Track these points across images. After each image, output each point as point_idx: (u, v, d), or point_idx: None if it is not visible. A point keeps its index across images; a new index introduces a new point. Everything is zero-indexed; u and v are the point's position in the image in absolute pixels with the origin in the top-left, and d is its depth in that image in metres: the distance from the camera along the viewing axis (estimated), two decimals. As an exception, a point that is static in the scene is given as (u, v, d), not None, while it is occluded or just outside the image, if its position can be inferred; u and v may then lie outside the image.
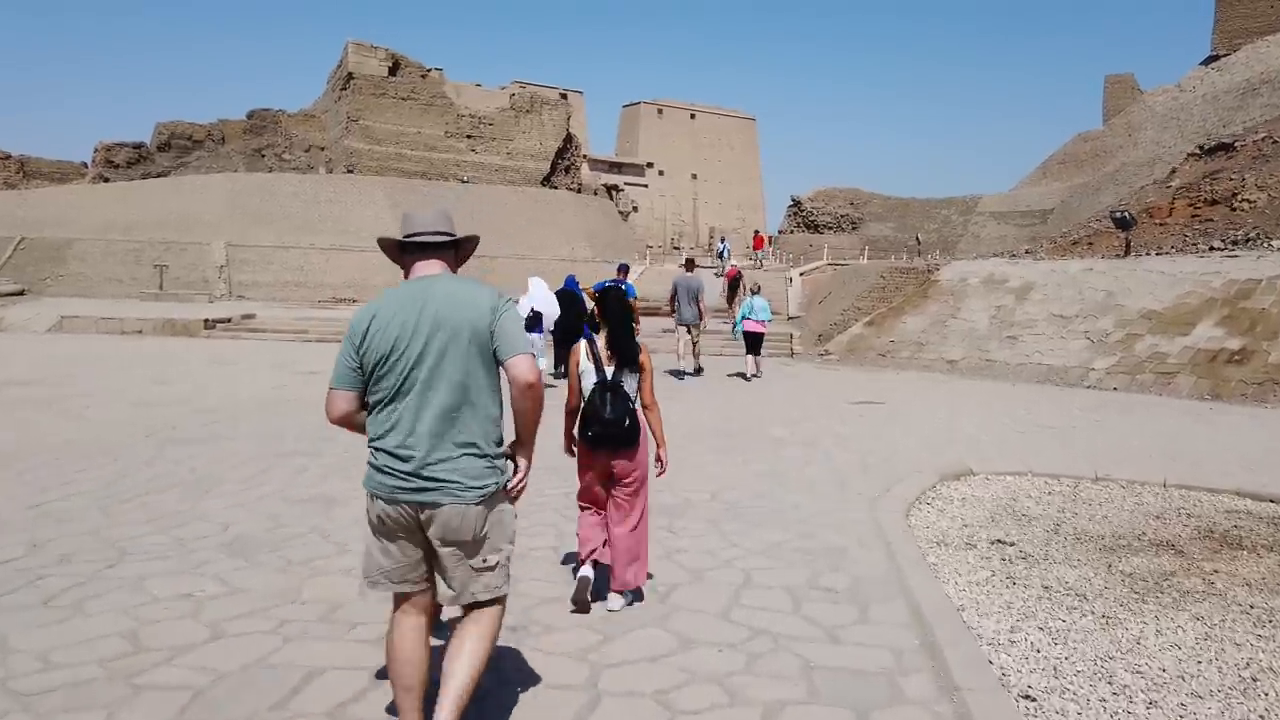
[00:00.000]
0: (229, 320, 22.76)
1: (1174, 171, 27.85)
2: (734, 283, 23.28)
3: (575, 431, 4.61)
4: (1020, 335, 17.92)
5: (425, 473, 2.84)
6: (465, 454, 2.88)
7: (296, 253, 40.57)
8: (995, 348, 18.00)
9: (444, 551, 2.93)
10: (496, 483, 2.96)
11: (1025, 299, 18.88)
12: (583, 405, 4.52)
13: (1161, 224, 21.53)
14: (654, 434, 4.68)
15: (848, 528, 6.28)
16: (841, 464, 8.47)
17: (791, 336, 22.54)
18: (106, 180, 47.69)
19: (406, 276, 3.06)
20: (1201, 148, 27.28)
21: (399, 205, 44.09)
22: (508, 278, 44.00)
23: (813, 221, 65.20)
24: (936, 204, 61.49)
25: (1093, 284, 18.18)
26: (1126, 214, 19.37)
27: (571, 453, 4.68)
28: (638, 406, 4.57)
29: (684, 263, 18.12)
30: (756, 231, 42.03)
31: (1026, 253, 25.48)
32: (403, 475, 2.85)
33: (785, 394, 13.81)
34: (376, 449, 2.92)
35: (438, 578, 3.03)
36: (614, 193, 64.05)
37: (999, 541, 6.17)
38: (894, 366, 18.64)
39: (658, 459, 4.72)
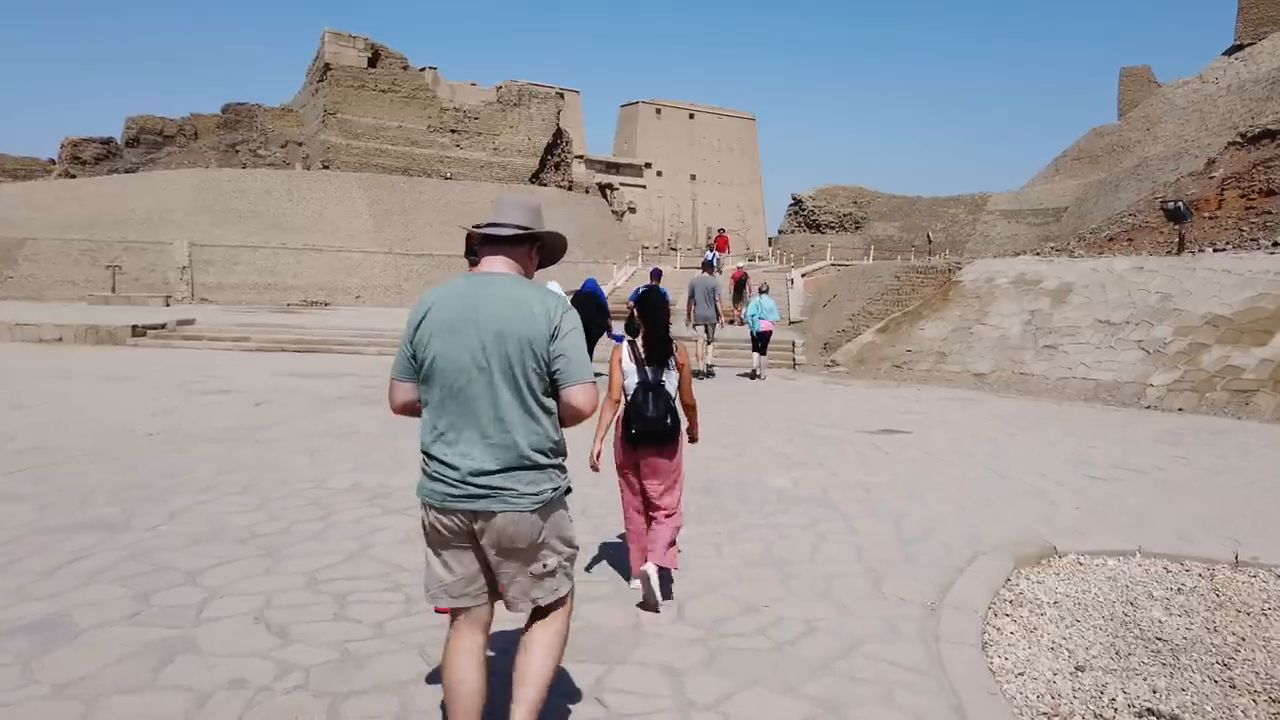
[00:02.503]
0: (163, 326, 20.26)
1: (1213, 162, 25.37)
2: (740, 284, 22.80)
3: (618, 431, 4.67)
4: (1060, 344, 15.43)
5: (478, 480, 2.69)
6: (519, 461, 2.71)
7: (265, 253, 38.08)
8: (1030, 359, 15.51)
9: (500, 561, 2.79)
10: (554, 488, 2.79)
11: (1064, 302, 16.38)
12: (624, 405, 4.64)
13: (1211, 217, 19.06)
14: (691, 430, 4.93)
15: (896, 683, 3.80)
16: (869, 538, 5.98)
17: (794, 345, 20.04)
18: (73, 177, 45.23)
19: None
20: (1244, 135, 24.82)
21: (377, 203, 41.64)
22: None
23: (814, 221, 62.72)
24: (943, 202, 59.00)
25: (1144, 285, 15.70)
26: (1181, 205, 16.89)
27: (596, 465, 4.50)
28: (677, 405, 4.72)
29: (702, 264, 18.31)
30: (721, 230, 38.05)
31: (1053, 249, 22.99)
32: (454, 482, 2.70)
33: (788, 419, 11.31)
34: (428, 455, 2.77)
35: (498, 590, 2.87)
36: (608, 191, 61.61)
37: (1151, 713, 3.69)
38: (912, 380, 16.16)
39: (691, 437, 4.95)
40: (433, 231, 41.43)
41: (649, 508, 4.77)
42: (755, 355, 15.93)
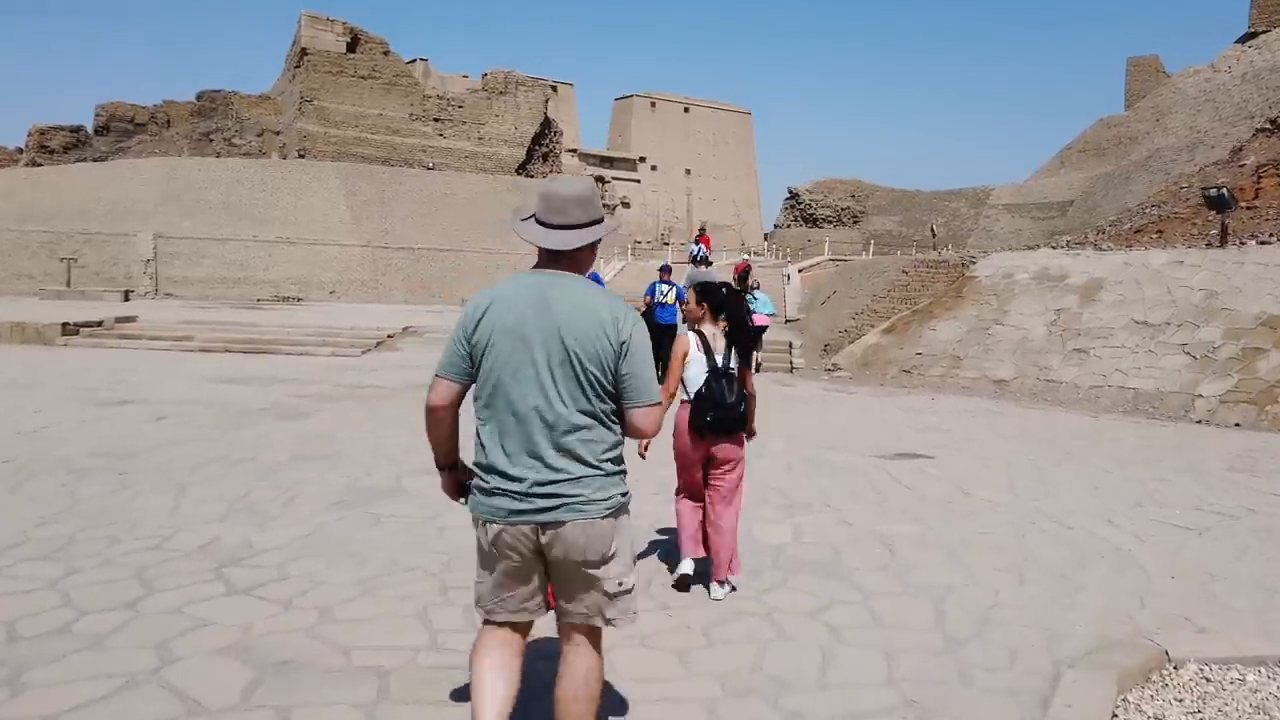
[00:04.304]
0: (99, 324, 18.47)
1: (1241, 150, 23.68)
2: (743, 276, 22.11)
3: (685, 424, 4.64)
4: (1091, 348, 13.71)
5: (544, 490, 2.54)
6: (586, 469, 2.58)
7: (235, 245, 36.25)
8: (1058, 364, 13.79)
9: (570, 573, 2.61)
10: (623, 494, 2.65)
11: (1093, 300, 14.66)
12: (695, 394, 4.60)
13: (1250, 207, 17.36)
14: (747, 412, 4.81)
15: None
16: (901, 636, 4.23)
17: (791, 346, 18.31)
18: (39, 165, 43.32)
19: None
20: (1274, 122, 23.12)
21: (355, 194, 39.75)
22: (478, 272, 39.76)
23: (811, 215, 61.03)
24: (944, 196, 57.29)
25: (1185, 281, 13.98)
26: (1225, 192, 15.19)
27: (646, 447, 4.29)
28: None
29: (693, 259, 18.26)
30: (702, 228, 35.77)
31: (1070, 243, 21.26)
32: (518, 495, 2.55)
33: (786, 436, 9.57)
34: (486, 467, 2.60)
35: (565, 604, 2.70)
36: (600, 184, 59.84)
37: None
38: (924, 386, 14.45)
39: (748, 431, 4.90)
40: (414, 224, 39.59)
41: (712, 502, 4.77)
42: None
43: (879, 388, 14.58)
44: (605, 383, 2.59)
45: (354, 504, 6.25)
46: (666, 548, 5.43)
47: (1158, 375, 12.57)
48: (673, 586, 4.70)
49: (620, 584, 2.66)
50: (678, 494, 4.88)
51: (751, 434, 4.91)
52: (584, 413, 2.56)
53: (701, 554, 4.76)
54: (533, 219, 2.72)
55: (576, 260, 2.70)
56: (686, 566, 4.74)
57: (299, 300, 34.31)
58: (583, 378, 2.55)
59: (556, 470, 2.54)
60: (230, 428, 9.10)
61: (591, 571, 2.60)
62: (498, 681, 2.65)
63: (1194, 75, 45.49)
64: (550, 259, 2.68)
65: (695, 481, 4.77)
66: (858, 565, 5.22)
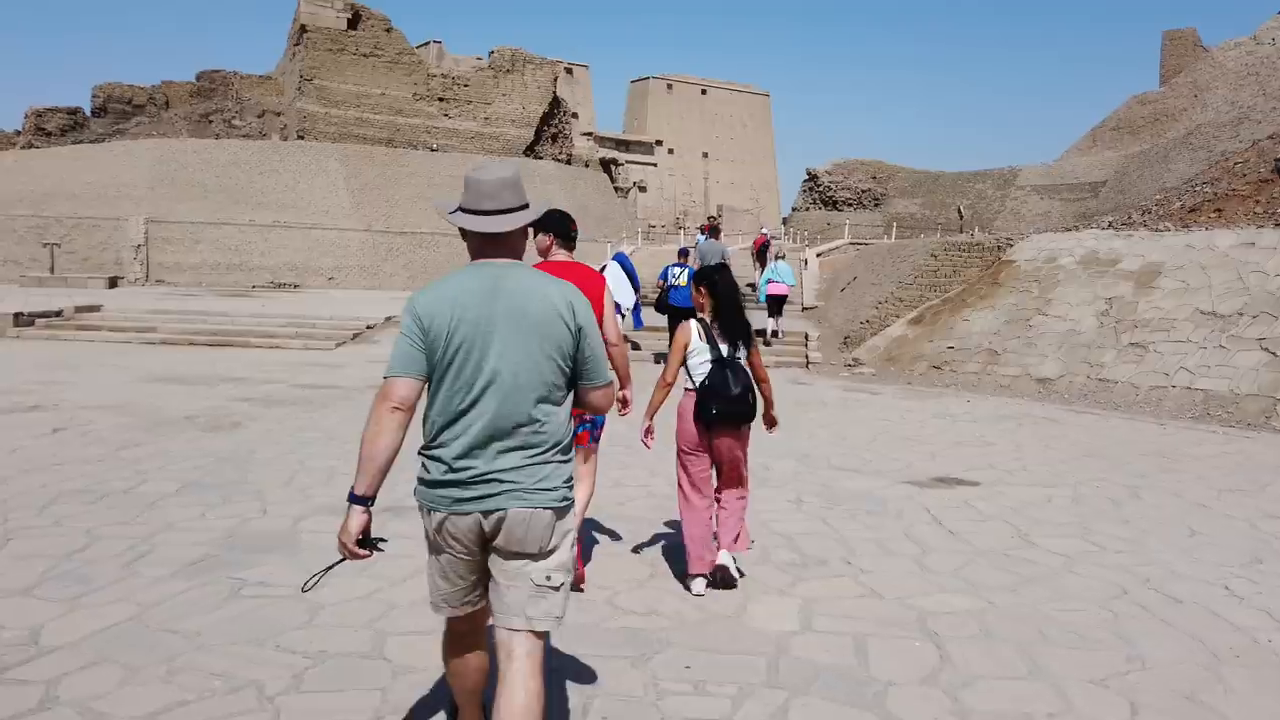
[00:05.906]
0: (59, 314, 17.09)
1: (1299, 122, 21.72)
2: (762, 250, 22.91)
3: (690, 412, 4.45)
4: (1150, 342, 12.01)
5: (491, 477, 2.50)
6: (535, 457, 2.53)
7: (231, 230, 34.85)
8: (1111, 360, 12.11)
9: (505, 563, 2.54)
10: (569, 486, 2.59)
11: (1151, 288, 12.93)
12: (699, 385, 4.42)
13: (1321, 183, 15.53)
14: (767, 411, 4.71)
15: None
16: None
17: (807, 338, 16.67)
18: (36, 148, 42.15)
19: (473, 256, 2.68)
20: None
21: (356, 176, 38.28)
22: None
23: (830, 197, 59.02)
24: (969, 177, 55.15)
25: (1259, 265, 12.23)
26: (1304, 162, 13.46)
27: (650, 435, 4.47)
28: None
29: (707, 233, 18.83)
30: (711, 216, 34.30)
31: (1112, 224, 19.47)
32: (464, 483, 2.50)
33: (798, 455, 7.97)
34: (434, 457, 2.53)
35: (491, 596, 2.63)
36: (612, 167, 58.23)
37: None
38: (957, 385, 12.80)
39: (769, 421, 4.79)
40: (417, 208, 38.11)
41: (717, 490, 4.60)
42: (771, 319, 16.15)
43: (906, 386, 12.95)
44: (563, 366, 2.56)
45: (220, 562, 4.73)
46: (618, 664, 3.88)
47: (1231, 375, 10.88)
48: (689, 590, 4.49)
49: (548, 578, 2.54)
50: (681, 489, 4.60)
51: (773, 422, 4.78)
52: (539, 401, 2.52)
53: (711, 567, 4.47)
54: (459, 210, 2.63)
55: (513, 247, 2.65)
56: (698, 586, 4.43)
57: (295, 287, 32.99)
58: (541, 364, 2.52)
59: (505, 458, 2.49)
60: (132, 443, 7.61)
61: (524, 564, 2.52)
62: (468, 659, 2.69)
63: (1235, 48, 43.31)
64: (489, 248, 2.62)
65: (704, 473, 4.54)
66: (892, 675, 3.64)
